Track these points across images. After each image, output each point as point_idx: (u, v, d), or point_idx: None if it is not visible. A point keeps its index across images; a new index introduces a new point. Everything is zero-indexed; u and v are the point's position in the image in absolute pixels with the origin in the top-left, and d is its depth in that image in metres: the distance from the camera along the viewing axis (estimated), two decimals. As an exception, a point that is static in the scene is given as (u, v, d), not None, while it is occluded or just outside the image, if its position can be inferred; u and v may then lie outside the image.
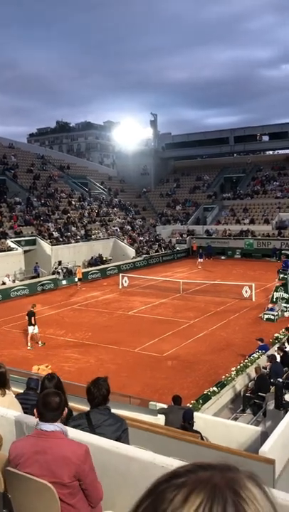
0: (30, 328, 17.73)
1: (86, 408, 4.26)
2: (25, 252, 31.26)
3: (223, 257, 39.10)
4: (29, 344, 17.76)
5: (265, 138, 52.94)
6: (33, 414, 4.08)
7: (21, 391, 5.92)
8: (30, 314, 17.82)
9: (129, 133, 55.03)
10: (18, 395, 5.07)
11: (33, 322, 17.69)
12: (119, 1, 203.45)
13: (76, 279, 29.58)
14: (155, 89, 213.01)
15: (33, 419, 3.32)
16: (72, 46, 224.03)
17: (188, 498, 0.57)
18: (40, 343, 17.91)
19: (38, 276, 30.15)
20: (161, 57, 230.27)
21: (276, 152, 54.47)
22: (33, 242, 32.67)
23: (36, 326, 17.87)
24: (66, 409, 3.07)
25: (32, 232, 33.37)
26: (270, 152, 55.60)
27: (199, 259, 36.27)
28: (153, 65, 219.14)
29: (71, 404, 5.04)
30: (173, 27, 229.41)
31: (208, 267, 35.02)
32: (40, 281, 28.84)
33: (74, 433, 3.33)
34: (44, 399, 3.02)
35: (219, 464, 0.62)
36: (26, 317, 17.97)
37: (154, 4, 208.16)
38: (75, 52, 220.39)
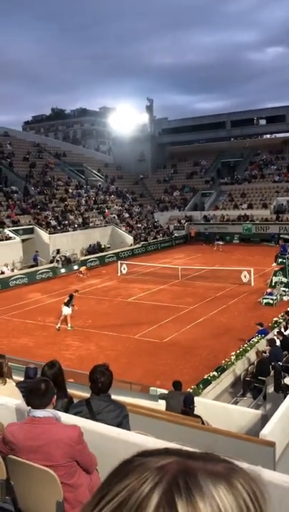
0: (65, 309, 18.14)
1: (86, 395, 4.26)
2: (23, 241, 31.18)
3: (221, 243, 39.10)
4: (69, 325, 18.19)
5: (262, 122, 52.59)
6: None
7: (22, 379, 5.93)
8: (71, 296, 18.46)
9: (125, 119, 54.46)
10: (18, 384, 5.08)
11: (70, 304, 18.21)
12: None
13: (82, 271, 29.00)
14: (144, 74, 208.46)
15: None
16: (49, 30, 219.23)
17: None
18: (69, 326, 18.23)
19: (36, 265, 30.12)
20: (143, 42, 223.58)
21: (273, 136, 54.01)
22: (31, 231, 32.59)
23: (71, 308, 18.30)
24: (55, 396, 3.12)
25: (29, 221, 33.26)
26: (268, 136, 55.12)
27: (219, 242, 37.73)
28: (136, 49, 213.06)
29: (71, 391, 5.06)
30: (149, 10, 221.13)
31: (211, 252, 35.07)
32: (38, 270, 28.84)
33: (74, 420, 3.34)
34: (31, 386, 3.11)
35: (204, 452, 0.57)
36: (67, 297, 18.54)
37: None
38: (53, 37, 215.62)
